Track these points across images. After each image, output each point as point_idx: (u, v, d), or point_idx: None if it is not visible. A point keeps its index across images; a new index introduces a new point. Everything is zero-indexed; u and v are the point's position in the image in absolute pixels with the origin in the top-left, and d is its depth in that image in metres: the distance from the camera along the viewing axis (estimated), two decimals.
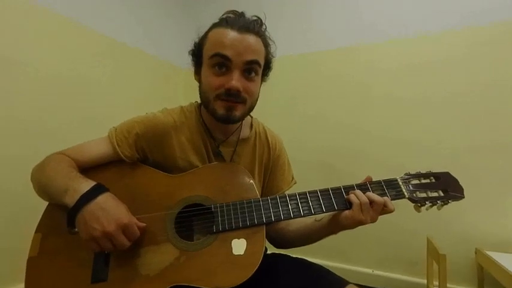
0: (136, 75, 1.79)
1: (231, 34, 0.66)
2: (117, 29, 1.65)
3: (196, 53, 0.73)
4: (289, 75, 1.89)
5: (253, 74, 0.69)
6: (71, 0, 1.41)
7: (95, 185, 0.63)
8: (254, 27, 0.69)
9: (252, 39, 0.68)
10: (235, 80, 0.66)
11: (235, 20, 0.68)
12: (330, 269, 0.69)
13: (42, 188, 0.68)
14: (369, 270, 1.65)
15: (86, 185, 0.62)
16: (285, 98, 1.90)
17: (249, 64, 0.67)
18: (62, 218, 0.64)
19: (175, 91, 2.05)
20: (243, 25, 0.68)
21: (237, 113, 0.69)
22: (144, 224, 0.64)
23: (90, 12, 1.51)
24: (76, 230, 0.60)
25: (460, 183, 0.70)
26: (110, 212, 0.59)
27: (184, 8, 2.16)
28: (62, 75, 1.37)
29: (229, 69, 0.67)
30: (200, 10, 2.15)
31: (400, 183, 0.68)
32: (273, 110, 1.82)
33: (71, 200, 0.60)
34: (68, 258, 0.64)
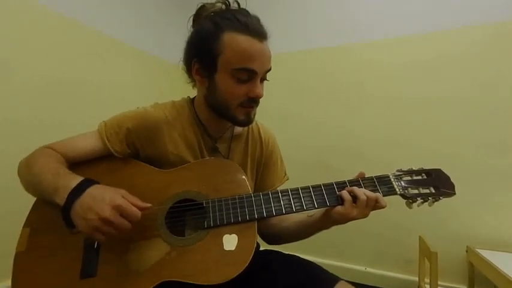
0: (133, 72, 1.77)
1: (256, 45, 0.66)
2: (109, 25, 1.63)
3: (206, 56, 0.68)
4: (285, 72, 1.87)
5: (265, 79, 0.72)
6: None
7: (82, 179, 0.61)
8: (266, 32, 0.69)
9: (267, 47, 0.69)
10: (260, 89, 0.69)
11: (252, 25, 0.66)
12: (323, 266, 0.69)
13: (30, 185, 0.66)
14: (362, 268, 1.66)
15: (75, 181, 0.60)
16: (280, 95, 1.89)
17: (266, 72, 0.70)
18: (50, 213, 0.63)
19: (172, 88, 2.02)
20: (261, 33, 0.67)
21: (254, 115, 0.73)
22: (148, 204, 0.61)
23: (83, 9, 1.49)
24: (77, 229, 0.58)
25: (452, 180, 0.71)
26: (101, 198, 0.57)
27: (179, 3, 2.14)
28: (55, 74, 1.36)
29: (252, 78, 0.67)
30: (193, 5, 2.13)
31: (392, 179, 0.68)
32: (268, 108, 1.79)
33: (61, 199, 0.58)
34: (57, 254, 0.62)
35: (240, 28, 0.65)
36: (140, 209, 0.59)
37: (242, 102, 0.69)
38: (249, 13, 0.69)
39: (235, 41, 0.65)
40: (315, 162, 1.79)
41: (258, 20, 0.68)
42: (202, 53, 0.69)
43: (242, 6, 0.72)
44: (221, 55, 0.66)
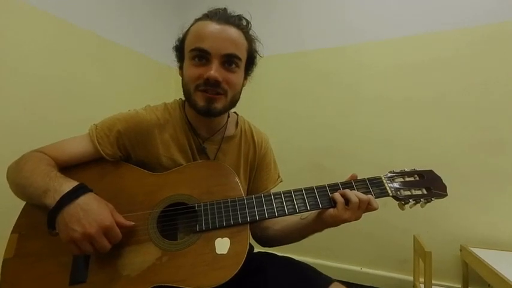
0: (128, 74, 1.76)
1: (210, 26, 0.67)
2: (108, 28, 1.62)
3: (179, 48, 0.73)
4: (279, 74, 1.88)
5: (233, 66, 0.69)
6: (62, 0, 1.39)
7: (77, 185, 0.60)
8: (235, 20, 0.69)
9: (231, 31, 0.68)
10: (214, 70, 0.65)
11: (216, 13, 0.69)
12: (320, 267, 0.69)
13: (19, 188, 0.65)
14: (358, 268, 1.67)
15: (67, 185, 0.59)
16: (274, 97, 1.89)
17: (228, 57, 0.68)
18: (39, 218, 0.62)
19: (167, 90, 2.01)
20: (222, 17, 0.68)
21: (218, 105, 0.69)
22: (131, 223, 0.61)
23: (80, 12, 1.48)
24: (56, 231, 0.58)
25: (444, 181, 0.71)
26: (91, 213, 0.56)
27: (175, 6, 2.13)
28: (52, 76, 1.34)
29: (209, 60, 0.67)
30: (190, 9, 2.12)
31: (384, 181, 0.68)
32: (263, 109, 1.81)
33: (51, 200, 0.57)
34: (46, 260, 0.61)
35: (202, 17, 0.70)
36: (123, 227, 0.60)
37: (198, 85, 0.68)
38: (220, 8, 0.71)
39: (194, 27, 0.70)
40: (309, 164, 1.79)
41: (225, 9, 0.71)
42: (178, 50, 0.74)
43: (241, 11, 0.74)
44: (185, 44, 0.71)
